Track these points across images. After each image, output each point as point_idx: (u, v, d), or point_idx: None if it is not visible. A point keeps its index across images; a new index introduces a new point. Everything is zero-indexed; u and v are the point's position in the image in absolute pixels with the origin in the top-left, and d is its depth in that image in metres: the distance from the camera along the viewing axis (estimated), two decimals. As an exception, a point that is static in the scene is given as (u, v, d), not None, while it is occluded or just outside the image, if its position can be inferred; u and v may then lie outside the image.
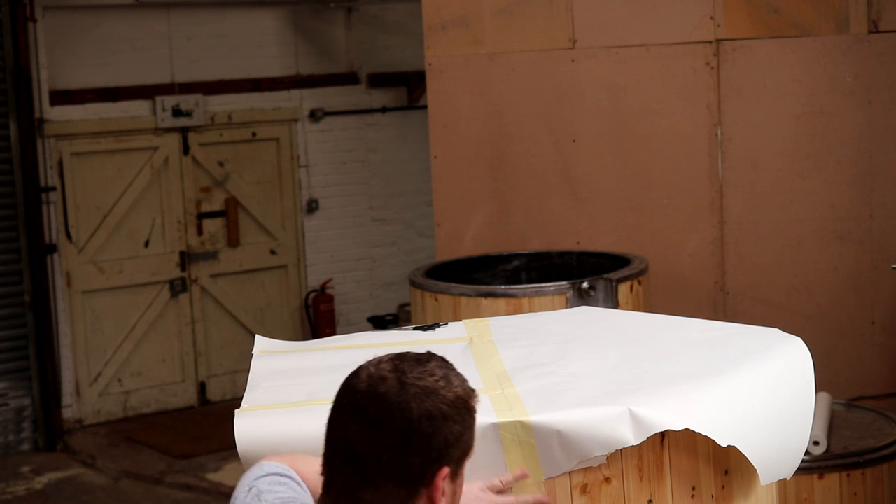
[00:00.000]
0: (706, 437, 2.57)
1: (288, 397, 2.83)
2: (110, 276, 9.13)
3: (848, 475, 4.83)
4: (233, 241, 9.59)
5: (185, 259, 9.43)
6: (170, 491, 7.80)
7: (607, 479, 2.59)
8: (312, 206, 9.90)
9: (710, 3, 6.22)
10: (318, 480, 2.24)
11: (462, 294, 5.31)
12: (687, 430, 2.56)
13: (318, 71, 9.90)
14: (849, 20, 6.14)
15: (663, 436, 2.60)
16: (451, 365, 2.23)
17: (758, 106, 6.27)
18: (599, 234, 6.47)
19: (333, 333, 9.09)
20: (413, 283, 5.60)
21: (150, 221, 9.29)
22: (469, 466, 2.25)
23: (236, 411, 2.74)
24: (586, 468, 2.57)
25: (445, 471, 2.15)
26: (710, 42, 6.26)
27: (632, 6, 6.35)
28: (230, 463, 7.98)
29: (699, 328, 3.20)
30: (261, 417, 2.73)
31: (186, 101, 9.30)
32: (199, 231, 9.48)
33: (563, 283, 5.30)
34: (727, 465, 2.70)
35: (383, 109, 10.15)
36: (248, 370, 3.06)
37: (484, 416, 2.45)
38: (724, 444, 2.58)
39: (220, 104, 9.50)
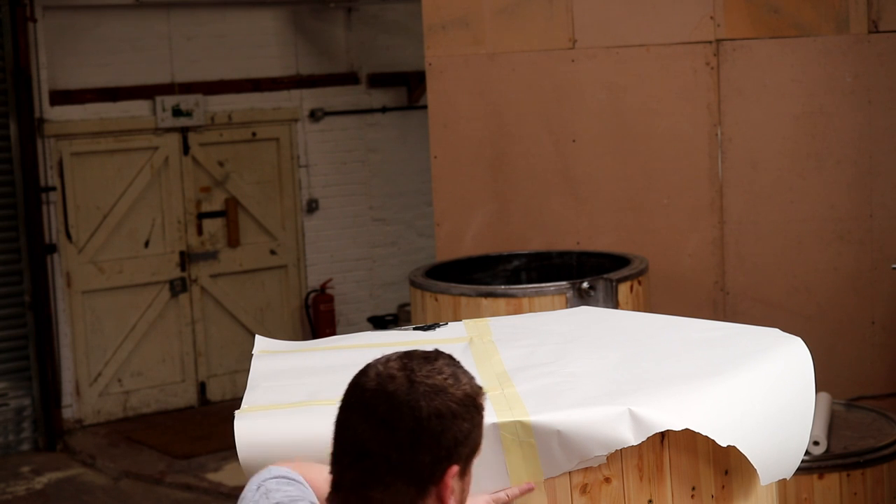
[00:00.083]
0: (706, 437, 2.57)
1: (288, 397, 2.82)
2: (110, 276, 9.12)
3: (848, 475, 4.83)
4: (233, 241, 9.59)
5: (185, 259, 9.42)
6: (170, 491, 7.79)
7: (607, 479, 2.59)
8: (312, 206, 9.89)
9: (710, 3, 6.22)
10: (324, 486, 2.24)
11: (462, 294, 5.31)
12: (687, 430, 2.56)
13: (318, 71, 9.89)
14: (849, 20, 6.14)
15: (663, 436, 2.60)
16: (459, 363, 2.23)
17: (758, 106, 6.27)
18: (599, 234, 6.46)
19: (333, 333, 9.09)
20: (413, 283, 5.59)
21: (150, 221, 9.29)
22: (469, 467, 2.26)
23: (236, 412, 2.73)
24: (586, 468, 2.57)
25: (455, 469, 2.15)
26: (710, 42, 6.26)
27: (632, 6, 6.35)
28: (230, 463, 7.97)
29: (699, 328, 3.21)
30: (261, 418, 2.72)
31: (186, 101, 9.29)
32: (199, 231, 9.47)
33: (563, 283, 5.30)
34: (727, 465, 2.70)
35: (383, 109, 10.15)
36: (248, 370, 3.05)
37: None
38: (724, 444, 2.58)
39: (220, 104, 9.50)
